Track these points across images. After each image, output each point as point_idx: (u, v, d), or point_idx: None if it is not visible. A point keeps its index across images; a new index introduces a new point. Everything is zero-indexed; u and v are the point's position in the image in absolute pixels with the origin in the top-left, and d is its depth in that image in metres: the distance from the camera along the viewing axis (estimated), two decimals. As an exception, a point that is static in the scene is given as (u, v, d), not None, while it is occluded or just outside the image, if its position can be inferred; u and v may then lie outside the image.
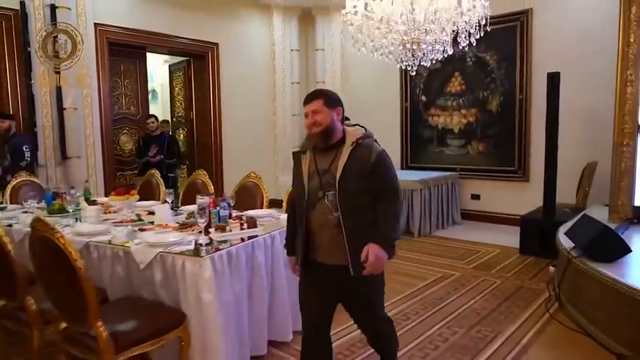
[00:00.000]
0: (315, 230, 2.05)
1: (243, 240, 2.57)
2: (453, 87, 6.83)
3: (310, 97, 2.06)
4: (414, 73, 4.58)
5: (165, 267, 2.36)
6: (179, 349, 2.30)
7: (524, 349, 2.86)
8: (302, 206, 2.08)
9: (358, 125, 2.14)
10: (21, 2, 5.02)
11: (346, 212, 1.96)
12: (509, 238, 5.39)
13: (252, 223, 2.79)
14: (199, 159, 7.36)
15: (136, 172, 6.49)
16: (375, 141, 2.08)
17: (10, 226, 3.05)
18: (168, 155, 6.20)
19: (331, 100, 2.05)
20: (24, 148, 4.84)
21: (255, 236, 2.66)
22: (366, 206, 2.00)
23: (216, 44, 7.15)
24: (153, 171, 4.72)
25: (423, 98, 7.15)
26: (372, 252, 1.92)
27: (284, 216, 2.72)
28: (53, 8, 5.17)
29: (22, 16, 5.05)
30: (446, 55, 4.35)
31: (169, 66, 8.15)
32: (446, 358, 2.76)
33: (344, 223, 1.96)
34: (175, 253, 2.33)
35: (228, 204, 2.98)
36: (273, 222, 3.03)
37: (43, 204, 3.57)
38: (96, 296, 1.98)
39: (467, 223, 6.58)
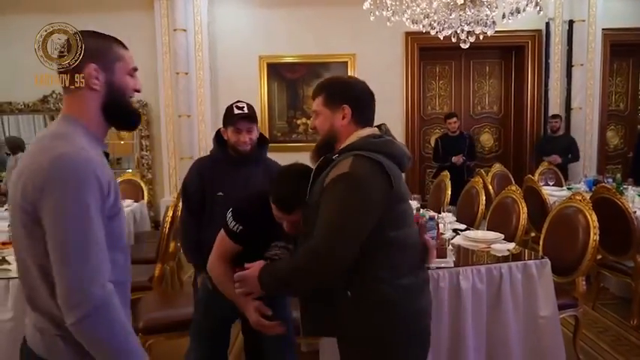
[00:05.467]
0: None
1: None
2: None
3: (313, 92, 1.53)
4: None
5: None
6: None
7: None
8: None
9: (375, 127, 1.48)
10: (546, 23, 6.12)
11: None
12: None
13: None
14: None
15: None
16: (377, 154, 1.33)
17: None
18: (469, 157, 5.79)
19: (335, 95, 1.46)
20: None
21: None
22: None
23: None
24: (445, 173, 4.63)
25: None
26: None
27: None
28: (570, 23, 6.05)
29: (546, 33, 6.16)
30: None
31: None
32: None
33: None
34: None
35: None
36: None
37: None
38: None
39: None
